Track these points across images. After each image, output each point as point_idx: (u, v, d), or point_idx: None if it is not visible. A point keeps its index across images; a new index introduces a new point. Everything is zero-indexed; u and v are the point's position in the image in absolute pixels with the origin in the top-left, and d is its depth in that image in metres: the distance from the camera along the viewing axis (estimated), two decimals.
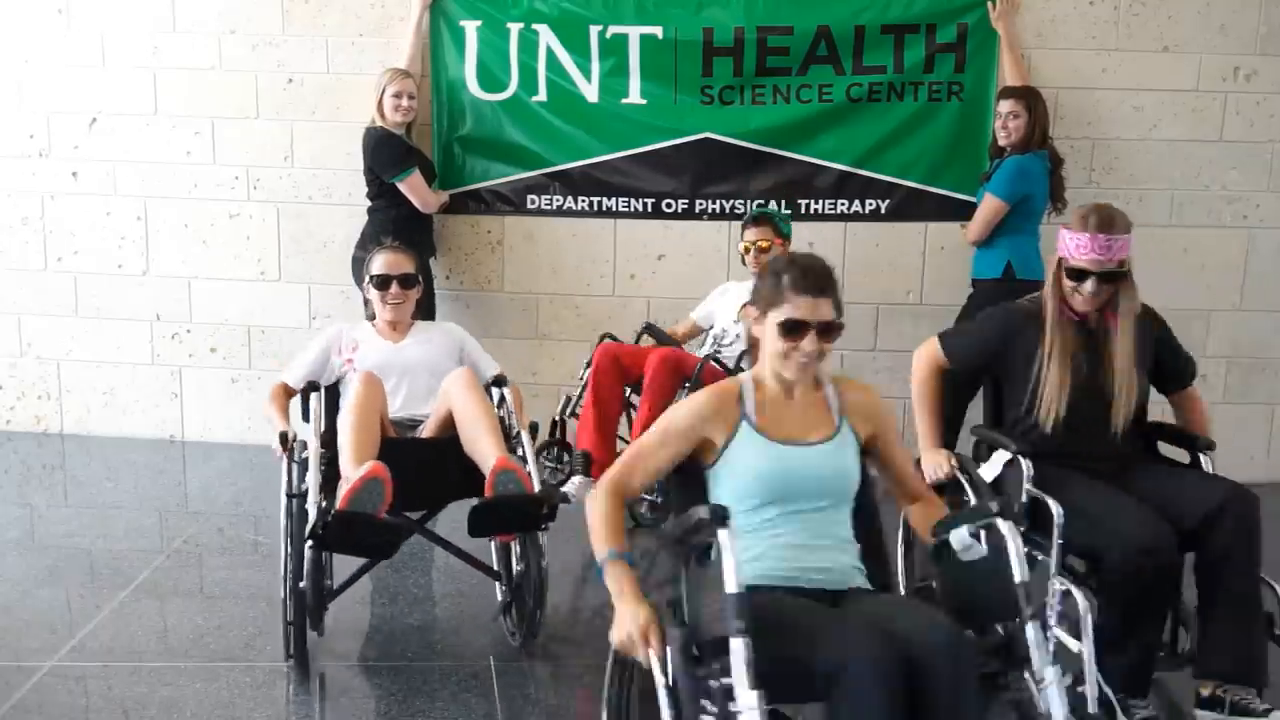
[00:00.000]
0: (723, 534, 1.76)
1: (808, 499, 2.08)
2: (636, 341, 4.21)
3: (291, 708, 2.75)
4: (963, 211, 4.46)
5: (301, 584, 2.70)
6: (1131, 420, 2.69)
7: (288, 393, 3.24)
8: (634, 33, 4.47)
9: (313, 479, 2.76)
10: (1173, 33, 4.45)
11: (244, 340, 4.85)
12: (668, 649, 1.80)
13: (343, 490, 2.62)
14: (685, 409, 2.14)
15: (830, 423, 2.15)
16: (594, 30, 4.48)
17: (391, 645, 3.06)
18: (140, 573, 3.48)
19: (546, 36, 4.50)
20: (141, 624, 3.13)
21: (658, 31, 4.46)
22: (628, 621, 1.85)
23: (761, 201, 4.50)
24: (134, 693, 2.73)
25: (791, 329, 2.07)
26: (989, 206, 4.15)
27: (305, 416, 3.14)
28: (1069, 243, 2.67)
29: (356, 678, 2.90)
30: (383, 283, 3.32)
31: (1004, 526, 1.94)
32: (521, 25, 4.51)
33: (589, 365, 3.96)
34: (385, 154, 4.26)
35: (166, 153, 4.73)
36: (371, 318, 3.46)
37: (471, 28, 4.55)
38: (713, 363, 3.78)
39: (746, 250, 4.03)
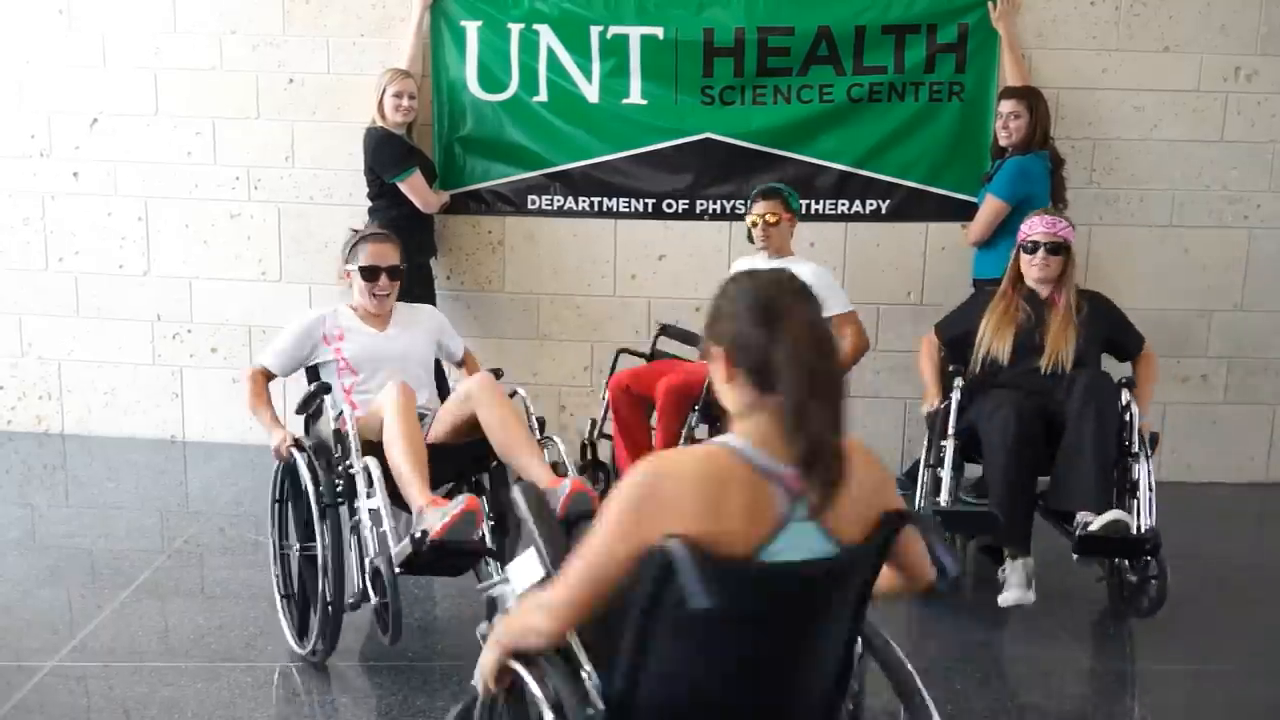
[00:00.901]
0: None
1: None
2: (653, 346, 4.19)
3: (292, 708, 2.76)
4: (963, 212, 4.47)
5: (374, 600, 2.69)
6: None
7: (267, 377, 3.20)
8: (634, 33, 4.47)
9: (383, 503, 2.71)
10: (1173, 33, 4.45)
11: (245, 340, 4.85)
12: None
13: (430, 519, 2.61)
14: None
15: None
16: (595, 31, 4.48)
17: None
18: (141, 573, 3.48)
19: (547, 37, 4.51)
20: (142, 624, 3.13)
21: (658, 32, 4.46)
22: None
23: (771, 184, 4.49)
24: (135, 693, 2.73)
25: None
26: (990, 208, 4.15)
27: (299, 410, 3.08)
28: (1024, 227, 3.52)
29: (358, 677, 2.90)
30: (371, 274, 3.25)
31: None
32: (522, 25, 4.51)
33: (605, 385, 3.95)
34: (386, 154, 4.26)
35: (167, 153, 4.73)
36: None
37: (472, 28, 4.55)
38: None
39: (754, 224, 3.98)
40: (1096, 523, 3.03)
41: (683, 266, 4.66)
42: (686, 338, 4.13)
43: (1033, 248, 3.46)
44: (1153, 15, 4.44)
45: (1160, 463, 4.59)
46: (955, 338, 3.63)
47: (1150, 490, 3.16)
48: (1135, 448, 3.25)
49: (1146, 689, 2.95)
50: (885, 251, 4.63)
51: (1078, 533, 3.06)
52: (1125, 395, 3.34)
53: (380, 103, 4.27)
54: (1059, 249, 3.44)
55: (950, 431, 3.34)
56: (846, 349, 3.91)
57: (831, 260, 4.57)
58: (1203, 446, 4.72)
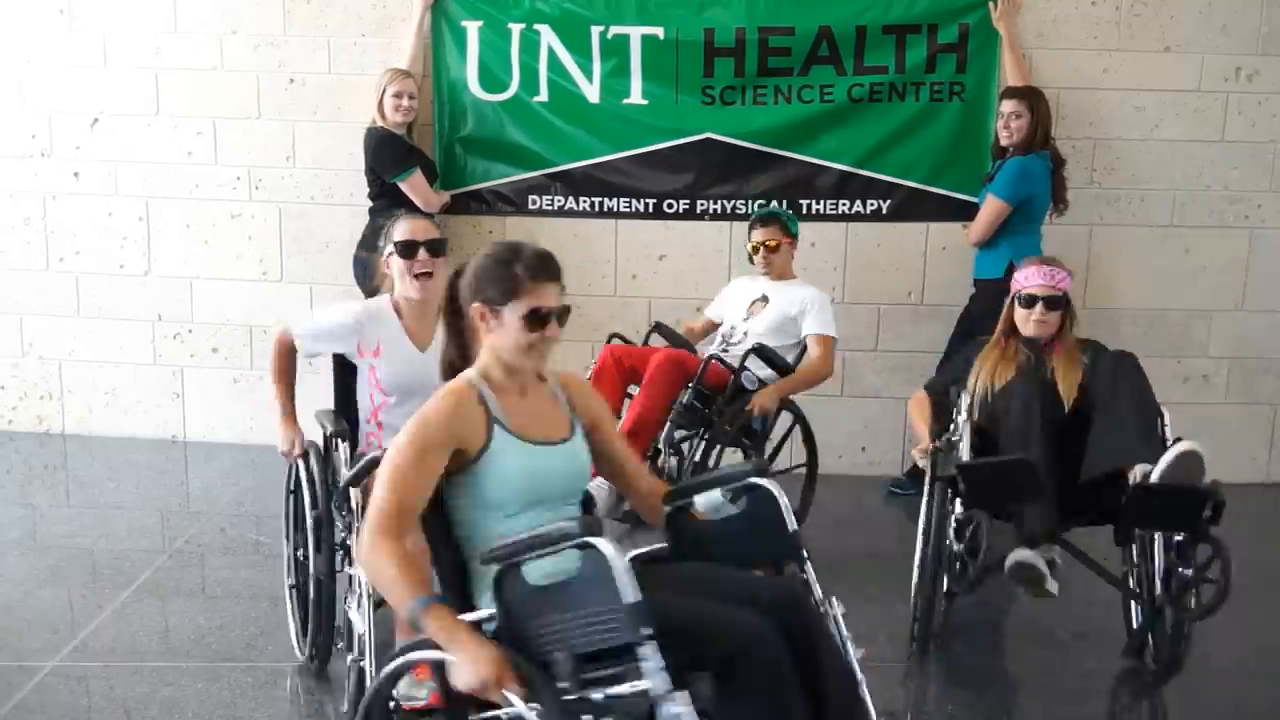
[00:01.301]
0: (606, 545, 1.68)
1: (559, 500, 2.07)
2: (645, 342, 4.19)
3: (293, 708, 2.76)
4: (964, 212, 4.46)
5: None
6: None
7: (292, 353, 2.92)
8: (635, 33, 4.47)
9: (365, 622, 2.38)
10: (1174, 33, 4.45)
11: (246, 340, 4.85)
12: (538, 681, 1.69)
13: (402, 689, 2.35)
14: (434, 419, 1.94)
15: (565, 420, 2.13)
16: (595, 31, 4.48)
17: (392, 644, 3.06)
18: (142, 573, 3.48)
19: (548, 37, 4.50)
20: (143, 624, 3.14)
21: (659, 32, 4.46)
22: (481, 665, 1.68)
23: (764, 201, 4.49)
24: (136, 693, 2.73)
25: (538, 319, 2.02)
26: (991, 207, 4.15)
27: (336, 403, 2.94)
28: (1020, 278, 3.22)
29: None
30: (408, 249, 2.83)
31: (771, 485, 2.06)
32: (523, 25, 4.51)
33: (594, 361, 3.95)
34: (386, 154, 4.27)
35: (168, 153, 4.73)
36: (373, 291, 3.07)
37: (473, 28, 4.55)
38: (716, 361, 3.76)
39: (755, 250, 4.00)
40: (1166, 457, 2.66)
41: (683, 266, 4.66)
42: (678, 340, 4.10)
43: (1029, 301, 3.16)
44: (1154, 15, 4.44)
45: None
46: (945, 389, 3.36)
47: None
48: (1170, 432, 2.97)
49: (1146, 689, 2.95)
50: (886, 251, 4.63)
51: (1134, 481, 2.70)
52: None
53: (380, 103, 4.27)
54: (1058, 303, 3.15)
55: (966, 414, 3.09)
56: (808, 367, 3.87)
57: (832, 260, 4.58)
58: (1203, 447, 4.71)
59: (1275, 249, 4.61)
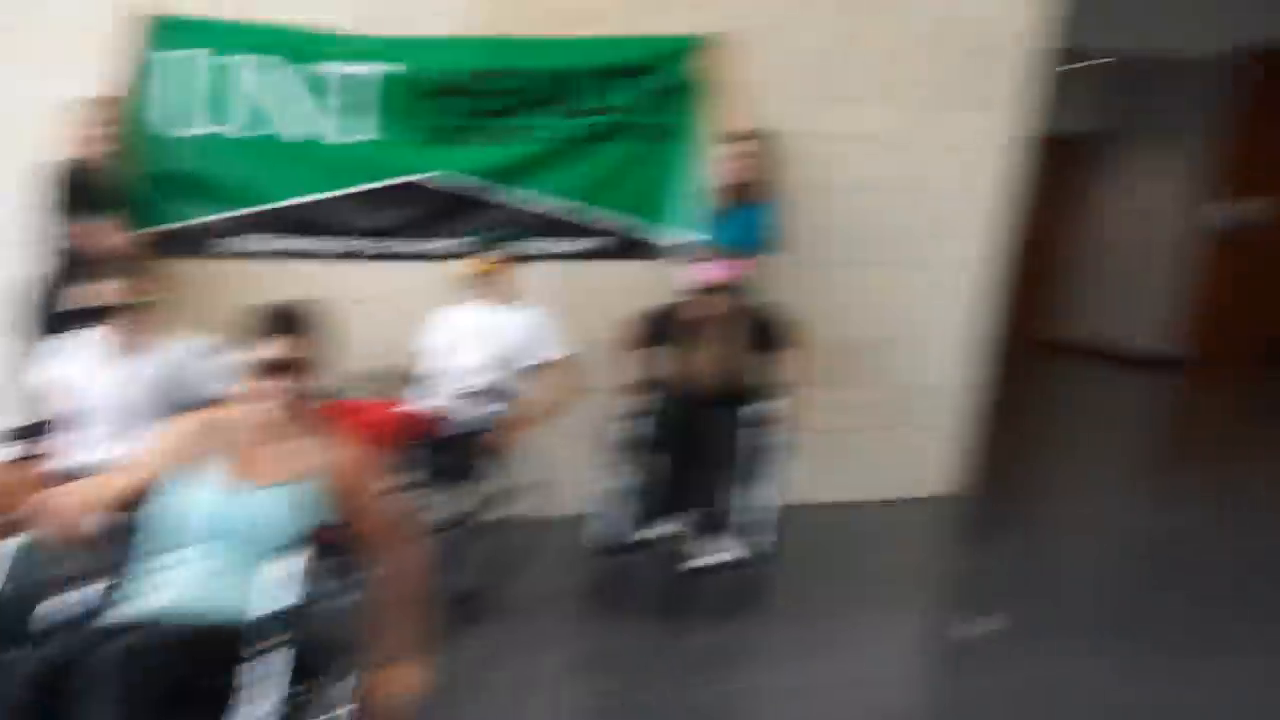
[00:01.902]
0: None
1: None
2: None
3: None
4: (679, 251, 4.60)
5: None
6: (724, 380, 3.97)
7: None
8: (346, 70, 4.33)
9: None
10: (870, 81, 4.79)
11: None
12: None
13: None
14: None
15: None
16: (307, 68, 4.30)
17: None
18: None
19: (255, 71, 4.27)
20: None
21: (372, 70, 4.34)
22: None
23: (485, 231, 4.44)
24: None
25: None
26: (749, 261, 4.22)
27: None
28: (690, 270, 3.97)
29: None
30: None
31: None
32: (228, 59, 4.24)
33: None
34: (67, 192, 3.92)
35: None
36: None
37: (173, 59, 4.21)
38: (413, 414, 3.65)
39: (470, 275, 3.95)
40: (694, 563, 3.80)
41: (393, 310, 4.35)
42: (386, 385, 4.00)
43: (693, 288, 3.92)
44: (861, 61, 4.77)
45: None
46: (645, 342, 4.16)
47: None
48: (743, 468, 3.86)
49: None
50: (603, 291, 4.64)
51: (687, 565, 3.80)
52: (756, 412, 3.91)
53: (69, 136, 3.94)
54: (711, 290, 3.90)
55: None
56: (552, 393, 3.91)
57: (549, 301, 4.58)
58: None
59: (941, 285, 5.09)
